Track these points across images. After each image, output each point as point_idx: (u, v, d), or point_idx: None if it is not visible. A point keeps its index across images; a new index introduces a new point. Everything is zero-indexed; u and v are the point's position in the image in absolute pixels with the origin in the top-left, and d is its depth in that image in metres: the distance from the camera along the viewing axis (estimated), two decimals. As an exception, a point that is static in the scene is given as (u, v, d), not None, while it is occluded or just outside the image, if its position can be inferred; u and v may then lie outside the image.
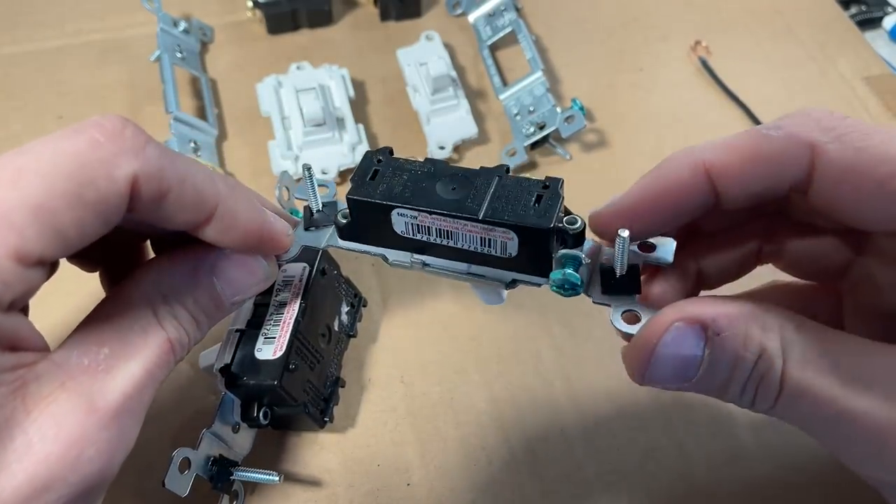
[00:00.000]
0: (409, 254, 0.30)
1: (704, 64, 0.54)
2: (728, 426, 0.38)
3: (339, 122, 0.49)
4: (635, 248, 0.28)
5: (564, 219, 0.27)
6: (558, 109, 0.47)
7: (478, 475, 0.36)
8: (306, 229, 0.31)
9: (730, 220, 0.30)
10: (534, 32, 0.55)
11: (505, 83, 0.52)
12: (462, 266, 0.29)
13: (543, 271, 0.28)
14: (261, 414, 0.33)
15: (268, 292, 0.35)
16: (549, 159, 0.49)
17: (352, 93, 0.50)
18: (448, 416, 0.38)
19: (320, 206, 0.31)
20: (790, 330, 0.24)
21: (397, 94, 0.52)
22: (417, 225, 0.28)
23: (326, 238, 0.31)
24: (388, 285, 0.43)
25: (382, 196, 0.28)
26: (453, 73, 0.51)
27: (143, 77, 0.52)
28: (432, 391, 0.39)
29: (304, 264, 0.35)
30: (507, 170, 0.28)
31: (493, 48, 0.55)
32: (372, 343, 0.41)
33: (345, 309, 0.38)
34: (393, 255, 0.30)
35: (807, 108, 0.26)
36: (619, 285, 0.27)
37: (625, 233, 0.26)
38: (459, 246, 0.28)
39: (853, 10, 0.61)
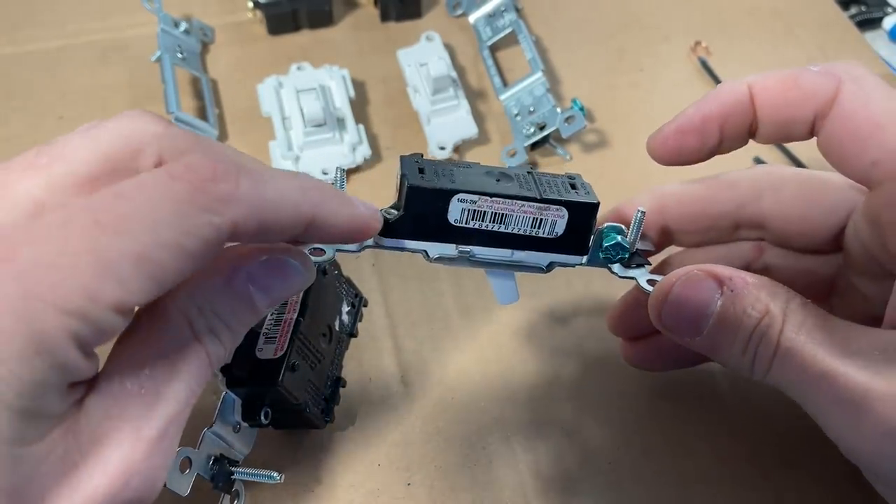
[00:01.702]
0: (453, 245, 0.30)
1: (704, 64, 0.54)
2: (727, 425, 0.38)
3: (340, 123, 0.49)
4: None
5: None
6: (558, 110, 0.47)
7: (478, 475, 0.37)
8: None
9: (719, 241, 0.33)
10: (534, 33, 0.55)
11: (505, 83, 0.52)
12: (506, 253, 0.30)
13: (581, 250, 0.31)
14: (262, 414, 0.33)
15: None
16: (549, 160, 0.49)
17: (352, 93, 0.50)
18: (448, 416, 0.38)
19: None
20: (795, 303, 0.27)
21: (398, 95, 0.52)
22: (474, 211, 0.29)
23: (361, 244, 0.30)
24: (388, 285, 0.43)
25: (444, 183, 0.29)
26: (453, 74, 0.51)
27: (144, 77, 0.52)
28: (432, 391, 0.39)
29: None
30: (532, 167, 0.32)
31: (494, 49, 0.55)
32: (372, 343, 0.41)
33: (345, 309, 0.38)
34: (435, 249, 0.30)
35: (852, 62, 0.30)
36: (633, 259, 0.31)
37: (642, 208, 0.30)
38: (510, 230, 0.30)
39: (853, 10, 0.62)
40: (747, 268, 0.33)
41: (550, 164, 0.49)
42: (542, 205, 0.29)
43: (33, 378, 0.20)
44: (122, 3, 0.57)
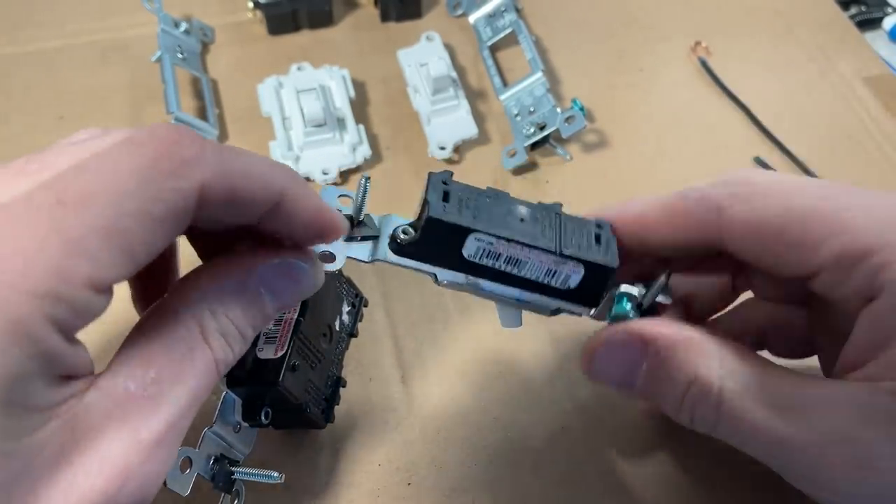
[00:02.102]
0: (463, 275, 0.30)
1: (704, 64, 0.54)
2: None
3: (340, 123, 0.49)
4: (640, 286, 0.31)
5: None
6: (558, 110, 0.47)
7: (478, 475, 0.37)
8: (347, 240, 0.30)
9: (700, 263, 0.32)
10: (534, 33, 0.55)
11: (505, 84, 0.52)
12: (514, 292, 0.30)
13: (590, 302, 0.30)
14: (262, 414, 0.33)
15: None
16: (549, 160, 0.49)
17: (352, 93, 0.50)
18: (448, 416, 0.38)
19: (362, 217, 0.30)
20: (730, 360, 0.27)
21: (398, 95, 0.52)
22: (489, 251, 0.29)
23: (370, 251, 0.30)
24: (388, 286, 0.43)
25: (466, 220, 0.28)
26: (454, 74, 0.51)
27: (144, 77, 0.52)
28: (433, 391, 0.39)
29: None
30: (561, 206, 0.30)
31: (494, 49, 0.55)
32: (373, 343, 0.41)
33: (346, 309, 0.38)
34: (445, 274, 0.30)
35: (735, 169, 0.29)
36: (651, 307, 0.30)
37: (662, 278, 0.29)
38: (522, 274, 0.29)
39: (853, 10, 0.62)
40: (732, 283, 0.33)
41: (550, 164, 0.49)
42: (559, 258, 0.29)
43: (13, 370, 0.19)
44: (122, 3, 0.57)
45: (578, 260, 0.29)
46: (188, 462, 0.30)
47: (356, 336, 0.39)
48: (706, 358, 0.27)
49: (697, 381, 0.27)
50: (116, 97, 0.52)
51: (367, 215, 0.30)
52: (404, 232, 0.29)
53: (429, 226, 0.28)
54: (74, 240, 0.19)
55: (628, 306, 0.30)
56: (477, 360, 0.40)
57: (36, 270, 0.19)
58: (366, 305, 0.40)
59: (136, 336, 0.23)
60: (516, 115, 0.50)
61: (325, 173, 0.47)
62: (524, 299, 0.30)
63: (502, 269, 0.29)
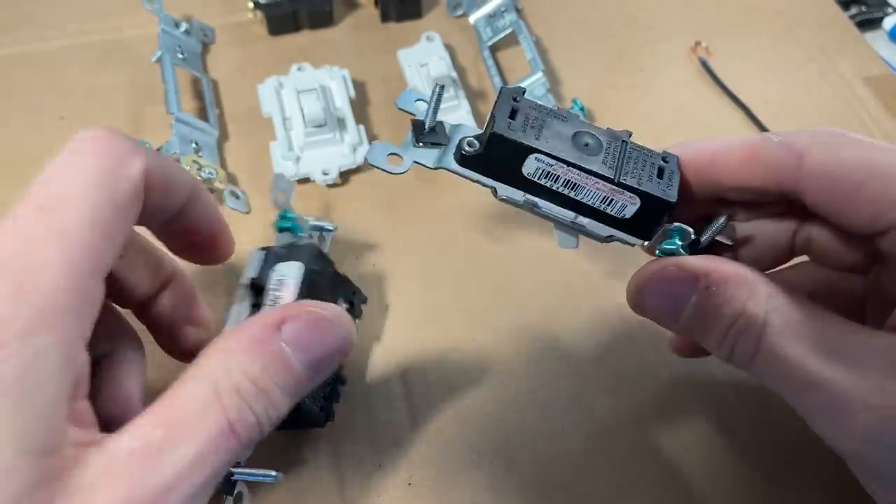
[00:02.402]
0: (522, 192, 0.30)
1: (704, 64, 0.54)
2: (731, 426, 0.38)
3: (340, 123, 0.49)
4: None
5: None
6: (559, 110, 0.47)
7: (478, 475, 0.37)
8: (415, 145, 0.30)
9: (763, 211, 0.32)
10: (534, 33, 0.55)
11: (505, 84, 0.52)
12: (569, 214, 0.30)
13: (644, 234, 0.30)
14: None
15: (262, 293, 0.35)
16: (549, 160, 0.49)
17: (353, 93, 0.50)
18: (449, 416, 0.38)
19: (433, 124, 0.30)
20: (778, 300, 0.27)
21: (398, 95, 0.52)
22: (548, 172, 0.29)
23: (436, 158, 0.30)
24: (389, 285, 0.43)
25: (527, 138, 0.28)
26: (454, 74, 0.51)
27: (144, 78, 0.52)
28: (433, 391, 0.39)
29: (300, 263, 0.35)
30: (630, 135, 0.30)
31: (494, 49, 0.55)
32: (373, 342, 0.41)
33: (343, 307, 0.38)
34: (504, 189, 0.30)
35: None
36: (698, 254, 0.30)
37: (722, 219, 0.29)
38: (579, 198, 0.29)
39: (853, 10, 0.62)
40: (791, 241, 0.32)
41: (551, 165, 0.49)
42: (616, 187, 0.29)
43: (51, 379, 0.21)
44: (123, 3, 0.57)
45: (635, 190, 0.29)
46: None
47: None
48: (755, 295, 0.27)
49: (745, 315, 0.27)
50: (117, 97, 0.52)
51: (439, 122, 0.30)
52: (469, 144, 0.29)
53: (492, 141, 0.29)
54: (68, 233, 0.22)
55: (679, 242, 0.30)
56: (477, 360, 0.40)
57: (46, 269, 0.21)
58: (364, 302, 0.40)
59: (156, 402, 0.23)
60: (516, 116, 0.50)
61: (325, 173, 0.47)
62: (579, 223, 0.30)
63: (560, 190, 0.29)
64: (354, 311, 0.39)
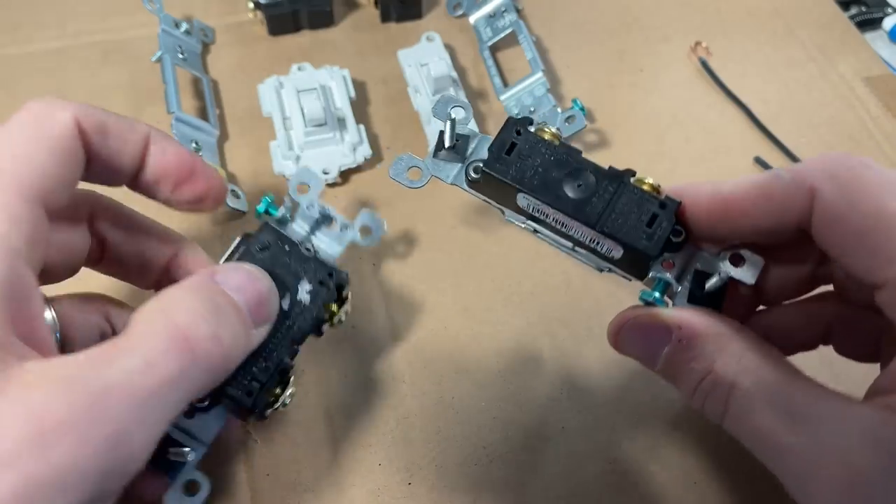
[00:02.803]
0: (523, 218, 0.31)
1: (704, 65, 0.54)
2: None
3: (341, 123, 0.49)
4: (726, 258, 0.30)
5: (670, 235, 0.29)
6: (559, 110, 0.47)
7: (478, 475, 0.37)
8: (434, 156, 0.32)
9: (784, 245, 0.31)
10: (534, 33, 0.55)
11: (506, 84, 0.52)
12: (567, 244, 0.31)
13: (638, 274, 0.31)
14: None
15: None
16: (549, 160, 0.49)
17: (353, 93, 0.50)
18: (449, 416, 0.38)
19: (454, 142, 0.31)
20: (749, 359, 0.27)
21: (398, 95, 0.52)
22: (538, 209, 0.30)
23: (453, 175, 0.32)
24: (389, 285, 0.43)
25: (513, 178, 0.30)
26: (454, 74, 0.51)
27: (145, 78, 0.52)
28: (433, 391, 0.39)
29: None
30: (633, 174, 0.30)
31: (494, 49, 0.55)
32: (373, 343, 0.41)
33: (306, 287, 0.33)
34: (509, 213, 0.31)
35: (833, 152, 0.29)
36: (704, 298, 0.30)
37: (722, 273, 0.30)
38: (570, 234, 0.30)
39: (853, 10, 0.62)
40: (813, 273, 0.32)
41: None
42: (597, 233, 0.29)
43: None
44: (123, 3, 0.57)
45: (615, 239, 0.29)
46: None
47: (336, 323, 0.35)
48: (725, 353, 0.27)
49: (714, 373, 0.27)
50: (117, 97, 0.52)
51: (463, 136, 0.31)
52: (475, 170, 0.31)
53: (485, 174, 0.30)
54: (24, 182, 0.25)
55: (658, 294, 0.30)
56: (477, 360, 0.40)
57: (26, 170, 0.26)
58: (345, 284, 0.35)
59: None
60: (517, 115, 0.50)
61: (325, 173, 0.47)
62: (577, 254, 0.31)
63: (553, 225, 0.30)
64: (325, 291, 0.33)
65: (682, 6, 0.59)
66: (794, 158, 0.49)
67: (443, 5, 0.58)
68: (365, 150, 0.48)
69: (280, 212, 0.34)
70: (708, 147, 0.50)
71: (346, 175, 0.48)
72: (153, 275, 0.34)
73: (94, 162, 0.29)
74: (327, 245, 0.35)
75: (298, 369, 0.39)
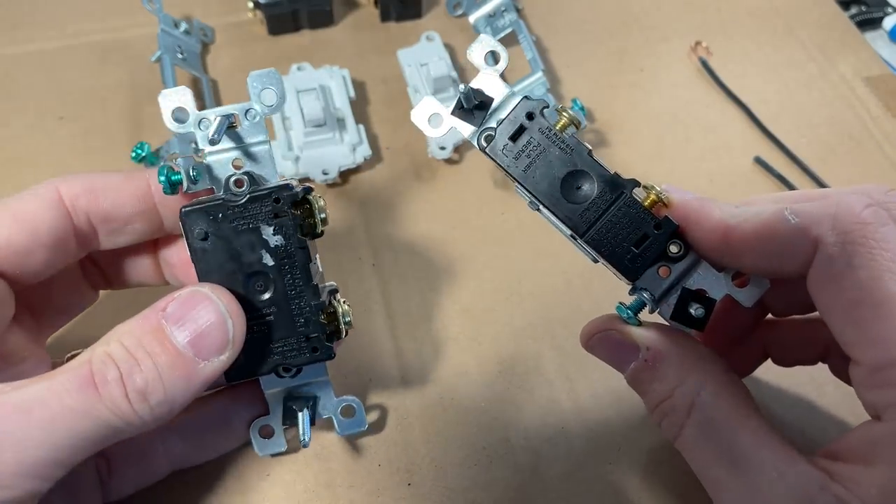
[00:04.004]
0: (529, 196, 0.30)
1: (705, 64, 0.54)
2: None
3: (340, 123, 0.49)
4: (729, 276, 0.29)
5: (669, 245, 0.29)
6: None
7: (478, 475, 0.37)
8: (452, 113, 0.30)
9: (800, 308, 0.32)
10: (534, 33, 0.55)
11: (505, 83, 0.52)
12: (565, 230, 0.30)
13: (630, 275, 0.30)
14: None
15: None
16: (549, 160, 0.49)
17: (352, 93, 0.50)
18: (448, 416, 0.38)
19: (471, 105, 0.30)
20: (706, 393, 0.27)
21: (398, 95, 0.52)
22: (532, 200, 0.30)
23: (471, 132, 0.30)
24: (388, 285, 0.43)
25: (512, 168, 0.29)
26: (454, 74, 0.51)
27: (144, 78, 0.52)
28: (433, 391, 0.39)
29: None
30: (637, 185, 0.29)
31: (494, 49, 0.55)
32: (373, 343, 0.41)
33: (269, 231, 0.30)
34: (517, 186, 0.30)
35: (857, 189, 0.26)
36: (688, 318, 0.29)
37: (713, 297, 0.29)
38: (562, 229, 0.30)
39: (853, 10, 0.62)
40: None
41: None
42: (583, 242, 0.29)
43: None
44: (122, 3, 0.57)
45: (599, 252, 0.29)
46: (269, 429, 0.34)
47: (319, 235, 0.32)
48: (686, 383, 0.28)
49: (673, 398, 0.28)
50: (116, 97, 0.52)
51: (488, 97, 0.30)
52: (486, 139, 0.30)
53: (488, 154, 0.29)
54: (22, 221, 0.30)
55: (631, 313, 0.30)
56: (476, 360, 0.40)
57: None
58: (309, 192, 0.31)
59: None
60: (516, 115, 0.50)
61: (325, 173, 0.47)
62: (574, 242, 0.30)
63: (549, 217, 0.30)
64: (287, 220, 0.30)
65: (682, 6, 0.59)
66: (793, 158, 0.49)
67: (443, 5, 0.58)
68: (364, 151, 0.48)
69: (180, 174, 0.30)
70: (708, 147, 0.50)
71: (345, 175, 0.48)
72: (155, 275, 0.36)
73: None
74: (256, 158, 0.32)
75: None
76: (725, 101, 0.53)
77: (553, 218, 0.30)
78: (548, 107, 0.29)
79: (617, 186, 0.29)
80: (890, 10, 0.62)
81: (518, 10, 0.55)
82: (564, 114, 0.29)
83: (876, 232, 0.24)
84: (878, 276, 0.24)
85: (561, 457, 0.37)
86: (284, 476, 0.36)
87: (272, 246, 0.30)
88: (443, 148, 0.48)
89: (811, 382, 0.39)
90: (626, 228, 0.28)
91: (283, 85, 0.32)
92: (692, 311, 0.29)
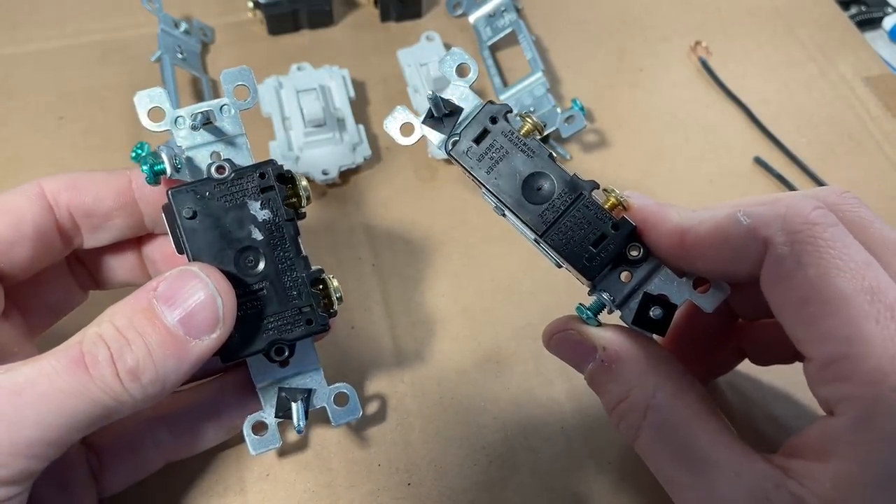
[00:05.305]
0: (494, 201, 0.30)
1: (704, 64, 0.54)
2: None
3: (340, 123, 0.49)
4: (690, 282, 0.29)
5: (629, 249, 0.29)
6: (558, 110, 0.47)
7: (478, 475, 0.37)
8: (423, 122, 0.31)
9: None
10: (534, 33, 0.55)
11: (505, 83, 0.52)
12: (530, 234, 0.30)
13: (587, 280, 0.30)
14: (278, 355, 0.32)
15: None
16: (549, 160, 0.49)
17: (352, 93, 0.50)
18: (448, 416, 0.38)
19: (442, 113, 0.31)
20: (662, 396, 0.27)
21: (398, 95, 0.52)
22: (496, 204, 0.30)
23: (440, 140, 0.31)
24: (388, 285, 0.43)
25: (475, 170, 0.29)
26: (454, 74, 0.51)
27: (144, 78, 0.52)
28: (433, 391, 0.39)
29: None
30: (596, 187, 0.29)
31: (494, 49, 0.55)
32: (372, 343, 0.41)
33: (255, 206, 0.31)
34: (483, 191, 0.30)
35: (812, 193, 0.27)
36: (649, 322, 0.30)
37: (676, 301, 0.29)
38: (526, 233, 0.30)
39: (853, 10, 0.62)
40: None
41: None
42: (541, 241, 0.29)
43: None
44: (122, 3, 0.57)
45: (557, 252, 0.29)
46: (262, 425, 0.33)
47: (302, 216, 0.32)
48: (642, 384, 0.28)
49: (629, 400, 0.28)
50: (116, 97, 0.52)
51: (457, 107, 0.30)
52: (453, 143, 0.30)
53: (451, 156, 0.30)
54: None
55: (589, 313, 0.30)
56: (476, 360, 0.40)
57: None
58: (289, 174, 0.32)
59: None
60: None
61: (325, 173, 0.47)
62: (539, 245, 0.31)
63: (513, 220, 0.30)
64: (274, 194, 0.31)
65: (682, 6, 0.59)
66: (793, 158, 0.49)
67: (443, 5, 0.58)
68: (364, 151, 0.48)
69: (164, 162, 0.31)
70: (708, 147, 0.50)
71: (345, 175, 0.48)
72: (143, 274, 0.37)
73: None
74: (234, 151, 0.33)
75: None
76: (725, 101, 0.53)
77: (517, 222, 0.30)
78: (511, 111, 0.30)
79: (576, 188, 0.29)
80: (890, 10, 0.62)
81: (518, 10, 0.55)
82: (528, 119, 0.29)
83: (824, 231, 0.25)
84: (826, 273, 0.24)
85: (560, 457, 0.37)
86: (284, 476, 0.36)
87: (260, 220, 0.31)
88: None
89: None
90: (584, 228, 0.29)
91: (255, 80, 0.34)
92: (652, 314, 0.29)
